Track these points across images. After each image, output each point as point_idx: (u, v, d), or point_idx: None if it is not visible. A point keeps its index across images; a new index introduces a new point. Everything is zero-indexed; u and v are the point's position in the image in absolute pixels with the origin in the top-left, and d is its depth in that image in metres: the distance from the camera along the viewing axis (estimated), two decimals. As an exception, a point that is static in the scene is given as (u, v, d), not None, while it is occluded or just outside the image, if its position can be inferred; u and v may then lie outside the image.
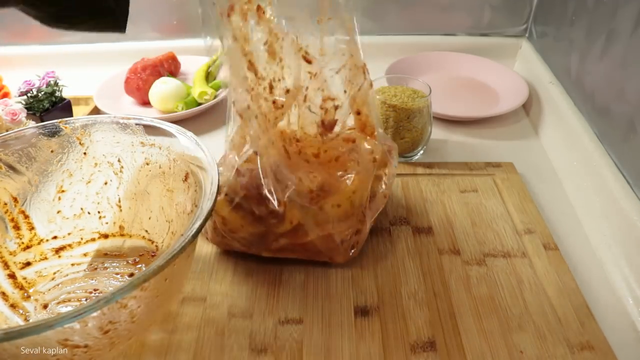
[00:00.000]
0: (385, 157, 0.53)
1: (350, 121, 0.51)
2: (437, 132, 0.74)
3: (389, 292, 0.49)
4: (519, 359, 0.42)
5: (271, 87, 0.44)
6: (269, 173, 0.46)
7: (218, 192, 0.42)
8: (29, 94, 0.73)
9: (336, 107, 0.47)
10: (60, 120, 0.48)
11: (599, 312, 0.47)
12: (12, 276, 0.46)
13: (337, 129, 0.49)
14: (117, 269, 0.49)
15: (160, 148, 0.48)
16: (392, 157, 0.54)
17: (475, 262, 0.52)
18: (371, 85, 0.49)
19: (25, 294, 0.46)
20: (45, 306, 0.46)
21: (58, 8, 0.36)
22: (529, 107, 0.79)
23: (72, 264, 0.49)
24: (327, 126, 0.48)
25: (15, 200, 0.47)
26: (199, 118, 0.79)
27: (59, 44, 0.96)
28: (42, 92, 0.73)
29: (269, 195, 0.46)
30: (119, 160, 0.50)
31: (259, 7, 0.42)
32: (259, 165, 0.46)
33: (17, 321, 0.43)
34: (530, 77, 0.83)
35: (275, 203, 0.46)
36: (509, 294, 0.48)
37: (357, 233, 0.49)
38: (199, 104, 0.79)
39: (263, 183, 0.46)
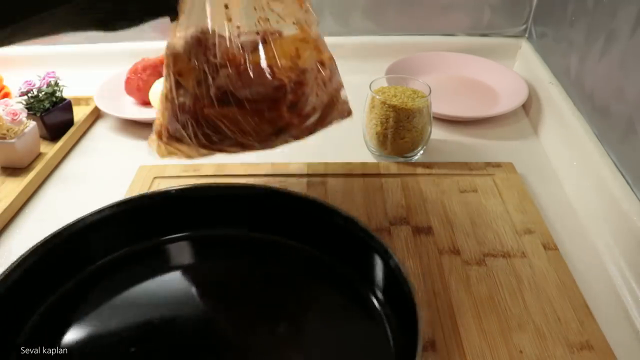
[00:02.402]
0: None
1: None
2: (437, 132, 0.74)
3: (389, 292, 0.49)
4: (519, 359, 0.43)
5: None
6: None
7: None
8: (29, 94, 0.73)
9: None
10: None
11: (598, 311, 0.47)
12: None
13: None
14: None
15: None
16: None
17: (475, 262, 0.52)
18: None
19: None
20: None
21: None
22: (529, 107, 0.79)
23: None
24: None
25: None
26: (199, 118, 0.79)
27: (59, 44, 0.96)
28: (43, 92, 0.73)
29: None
30: None
31: None
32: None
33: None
34: (530, 77, 0.83)
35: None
36: (509, 293, 0.48)
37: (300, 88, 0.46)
38: (199, 104, 0.79)
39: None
